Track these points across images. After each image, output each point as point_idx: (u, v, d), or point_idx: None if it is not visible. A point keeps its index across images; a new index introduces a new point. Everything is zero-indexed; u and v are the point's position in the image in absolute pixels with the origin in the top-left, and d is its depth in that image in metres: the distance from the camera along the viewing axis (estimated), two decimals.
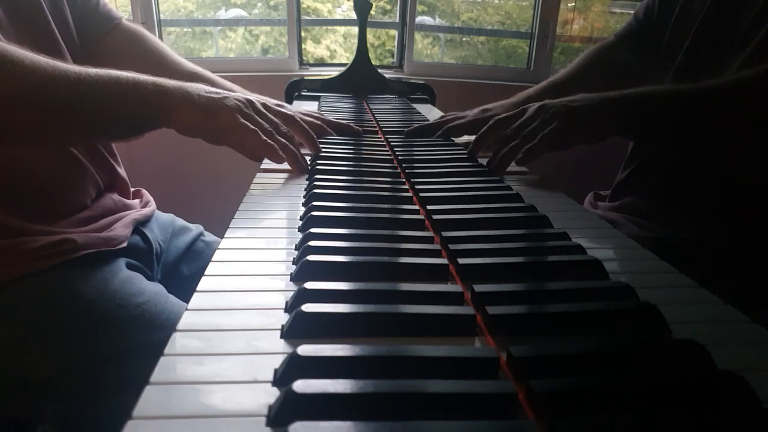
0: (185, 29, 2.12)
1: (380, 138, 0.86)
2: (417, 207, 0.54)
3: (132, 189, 0.87)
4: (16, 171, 0.65)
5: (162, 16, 1.79)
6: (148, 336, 0.63)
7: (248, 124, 0.63)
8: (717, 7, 0.78)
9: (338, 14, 2.63)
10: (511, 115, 0.74)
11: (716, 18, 0.78)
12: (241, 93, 0.73)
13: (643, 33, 0.93)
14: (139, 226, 0.79)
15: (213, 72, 0.93)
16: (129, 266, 0.72)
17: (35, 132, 0.57)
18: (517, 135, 0.69)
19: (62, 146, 0.69)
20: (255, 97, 0.71)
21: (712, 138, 0.75)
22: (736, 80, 0.68)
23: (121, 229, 0.73)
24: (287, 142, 0.66)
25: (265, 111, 0.67)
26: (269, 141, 0.63)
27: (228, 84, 0.90)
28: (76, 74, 0.57)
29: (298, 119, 0.73)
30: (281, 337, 0.32)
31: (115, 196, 0.79)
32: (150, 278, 0.74)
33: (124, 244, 0.72)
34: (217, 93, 0.64)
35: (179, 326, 0.32)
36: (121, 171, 0.83)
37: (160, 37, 1.77)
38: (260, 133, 0.63)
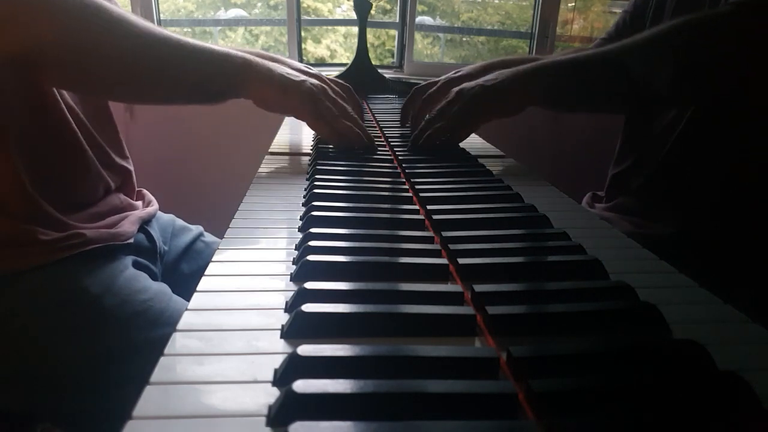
0: (185, 29, 2.12)
1: (380, 138, 0.86)
2: (417, 207, 0.54)
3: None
4: (35, 154, 0.66)
5: (162, 16, 1.79)
6: (152, 332, 0.64)
7: (319, 111, 0.71)
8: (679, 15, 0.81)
9: (338, 14, 2.63)
10: (427, 84, 0.90)
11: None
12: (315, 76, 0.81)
13: None
14: (144, 224, 0.80)
15: None
16: (135, 264, 0.73)
17: (132, 85, 0.65)
18: (441, 116, 0.75)
19: (151, 101, 0.77)
20: (316, 73, 0.82)
21: (691, 137, 0.78)
22: (627, 44, 0.71)
23: (128, 225, 0.75)
24: (352, 125, 0.74)
25: (335, 97, 0.74)
26: (333, 132, 0.73)
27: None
28: (176, 41, 0.64)
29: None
30: (281, 337, 0.32)
31: (122, 196, 0.81)
32: (154, 277, 0.75)
33: (131, 240, 0.73)
34: (296, 76, 0.71)
35: (179, 326, 0.32)
36: (133, 172, 0.85)
37: None
38: (327, 122, 0.72)
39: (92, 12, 0.58)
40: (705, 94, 0.72)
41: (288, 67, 0.75)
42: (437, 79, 0.92)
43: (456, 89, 0.75)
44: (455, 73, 0.94)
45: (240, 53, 0.68)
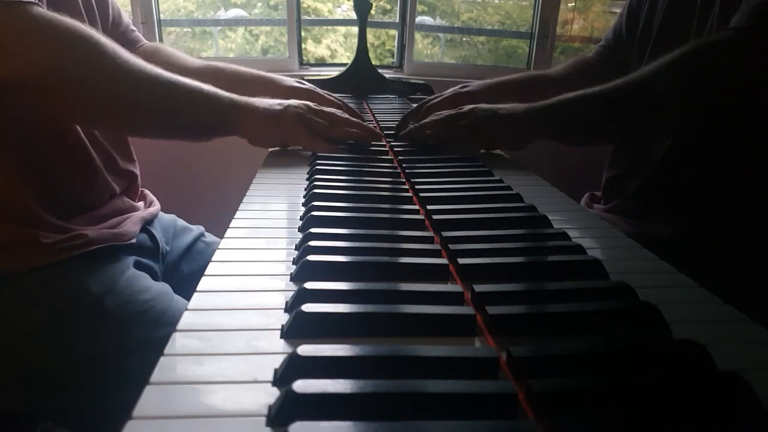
0: (185, 29, 2.11)
1: (380, 138, 0.86)
2: (417, 207, 0.54)
3: None
4: (41, 160, 0.66)
5: (162, 16, 1.79)
6: (154, 332, 0.64)
7: (312, 129, 0.72)
8: (670, 16, 0.83)
9: (338, 14, 2.63)
10: (439, 102, 0.90)
11: (670, 26, 0.83)
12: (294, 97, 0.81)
13: (614, 53, 0.99)
14: (146, 225, 0.80)
15: None
16: (137, 264, 0.73)
17: (123, 121, 0.66)
18: (449, 122, 0.75)
19: (140, 136, 0.76)
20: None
21: (684, 141, 0.79)
22: (630, 80, 0.72)
23: (130, 225, 0.75)
24: (346, 128, 0.75)
25: (320, 109, 0.75)
26: (330, 146, 0.73)
27: (254, 74, 0.93)
28: (167, 78, 0.64)
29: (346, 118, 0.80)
30: (281, 337, 0.32)
31: (125, 198, 0.81)
32: (156, 277, 0.75)
33: (134, 240, 0.73)
34: (280, 104, 0.72)
35: (179, 326, 0.32)
36: (138, 176, 0.85)
37: (160, 38, 1.76)
38: (322, 137, 0.73)
39: (86, 45, 0.59)
40: (708, 117, 0.73)
41: (271, 96, 0.75)
42: (442, 93, 0.95)
43: (471, 106, 0.76)
44: (461, 87, 0.96)
45: (227, 94, 0.69)
